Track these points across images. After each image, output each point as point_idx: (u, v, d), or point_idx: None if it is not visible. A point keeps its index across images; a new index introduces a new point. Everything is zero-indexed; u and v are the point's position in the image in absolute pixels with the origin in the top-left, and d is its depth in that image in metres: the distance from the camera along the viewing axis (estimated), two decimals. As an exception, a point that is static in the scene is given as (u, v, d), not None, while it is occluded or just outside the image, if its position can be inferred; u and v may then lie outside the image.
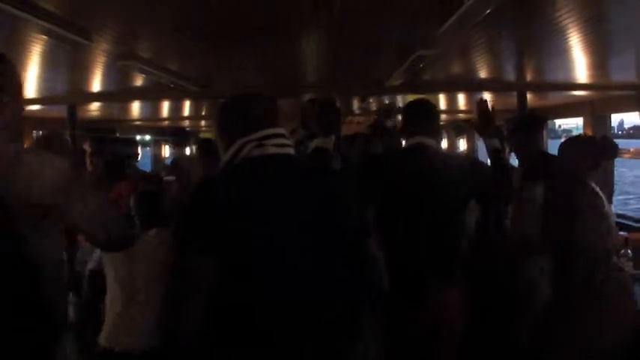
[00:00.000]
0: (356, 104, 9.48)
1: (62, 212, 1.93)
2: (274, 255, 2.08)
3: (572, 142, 3.75)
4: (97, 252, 3.40)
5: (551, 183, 3.70)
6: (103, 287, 3.30)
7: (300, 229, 2.13)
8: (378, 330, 3.00)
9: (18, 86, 1.99)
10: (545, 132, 8.77)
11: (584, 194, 3.45)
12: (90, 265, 3.45)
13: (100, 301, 3.39)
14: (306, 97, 8.02)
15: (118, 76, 5.16)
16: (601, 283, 3.42)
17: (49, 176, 1.85)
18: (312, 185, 2.27)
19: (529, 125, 4.51)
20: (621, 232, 4.76)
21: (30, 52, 3.74)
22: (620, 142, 5.36)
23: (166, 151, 13.44)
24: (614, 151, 3.81)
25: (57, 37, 3.15)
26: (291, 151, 2.28)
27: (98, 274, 3.35)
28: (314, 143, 3.32)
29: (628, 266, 4.27)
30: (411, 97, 7.29)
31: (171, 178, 5.30)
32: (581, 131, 8.24)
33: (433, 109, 3.60)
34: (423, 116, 3.47)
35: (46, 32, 3.07)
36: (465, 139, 12.36)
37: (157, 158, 12.88)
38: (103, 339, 3.18)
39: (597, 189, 3.51)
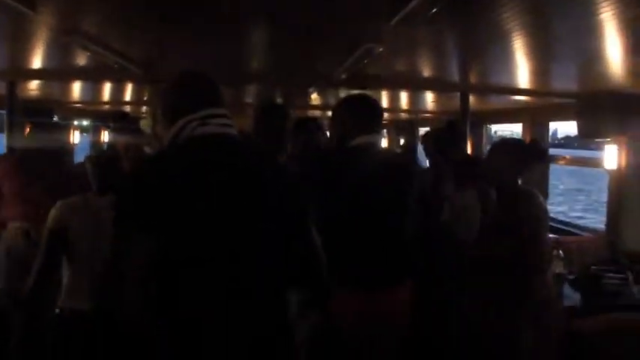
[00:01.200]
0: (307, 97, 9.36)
1: None
2: (212, 234, 2.07)
3: (501, 145, 3.82)
4: (53, 212, 3.43)
5: (484, 189, 3.77)
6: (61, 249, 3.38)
7: (240, 208, 2.13)
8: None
9: None
10: (484, 136, 9.01)
11: (529, 205, 3.51)
12: (49, 225, 3.41)
13: (60, 264, 3.43)
14: (250, 87, 8.02)
15: (60, 52, 5.02)
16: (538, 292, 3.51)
17: None
18: (254, 166, 2.27)
19: (451, 131, 4.64)
20: (551, 235, 4.96)
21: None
22: (552, 151, 5.56)
23: (106, 136, 13.14)
24: (543, 156, 3.86)
25: (-2, 4, 3.04)
26: (234, 131, 2.28)
27: (57, 234, 3.37)
28: None
29: (559, 266, 4.43)
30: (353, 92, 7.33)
31: None
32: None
33: (379, 106, 3.62)
34: (369, 113, 3.48)
35: (-14, -2, 2.96)
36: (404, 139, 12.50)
37: (96, 144, 12.57)
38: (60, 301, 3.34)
39: (541, 198, 3.58)
